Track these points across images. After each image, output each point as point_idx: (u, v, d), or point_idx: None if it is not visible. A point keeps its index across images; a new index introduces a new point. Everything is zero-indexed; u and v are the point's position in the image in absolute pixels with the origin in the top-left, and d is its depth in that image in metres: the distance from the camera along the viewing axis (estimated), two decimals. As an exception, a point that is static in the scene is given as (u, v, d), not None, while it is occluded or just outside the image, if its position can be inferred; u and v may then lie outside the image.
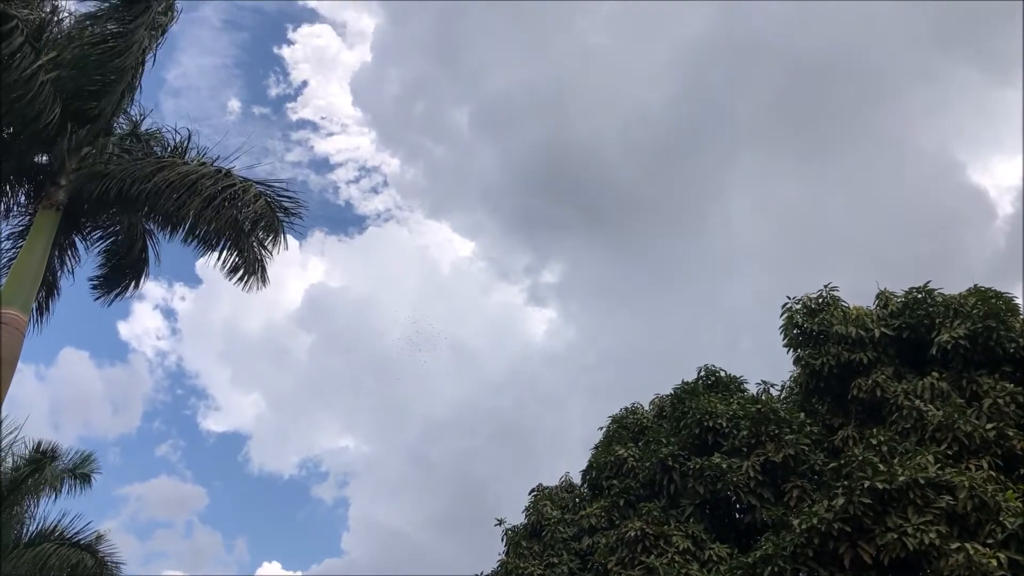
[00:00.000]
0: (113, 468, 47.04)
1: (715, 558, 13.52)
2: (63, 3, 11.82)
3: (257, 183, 12.54)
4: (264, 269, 12.78)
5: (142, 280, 14.01)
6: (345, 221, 61.77)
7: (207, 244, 12.59)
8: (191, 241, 12.52)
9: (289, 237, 12.99)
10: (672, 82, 47.81)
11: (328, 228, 56.99)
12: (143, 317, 52.03)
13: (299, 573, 49.29)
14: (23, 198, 12.69)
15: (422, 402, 49.35)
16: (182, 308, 53.03)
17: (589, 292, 53.98)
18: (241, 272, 12.77)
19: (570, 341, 51.65)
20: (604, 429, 18.34)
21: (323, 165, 60.28)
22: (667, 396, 17.84)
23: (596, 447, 18.00)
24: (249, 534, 51.21)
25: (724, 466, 14.43)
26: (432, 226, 61.94)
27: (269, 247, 12.73)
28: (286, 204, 12.72)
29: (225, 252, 12.55)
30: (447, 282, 56.48)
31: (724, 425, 15.18)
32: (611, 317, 51.45)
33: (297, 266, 52.96)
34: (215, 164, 12.51)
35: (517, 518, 17.58)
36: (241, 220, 12.20)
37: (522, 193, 54.75)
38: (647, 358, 44.11)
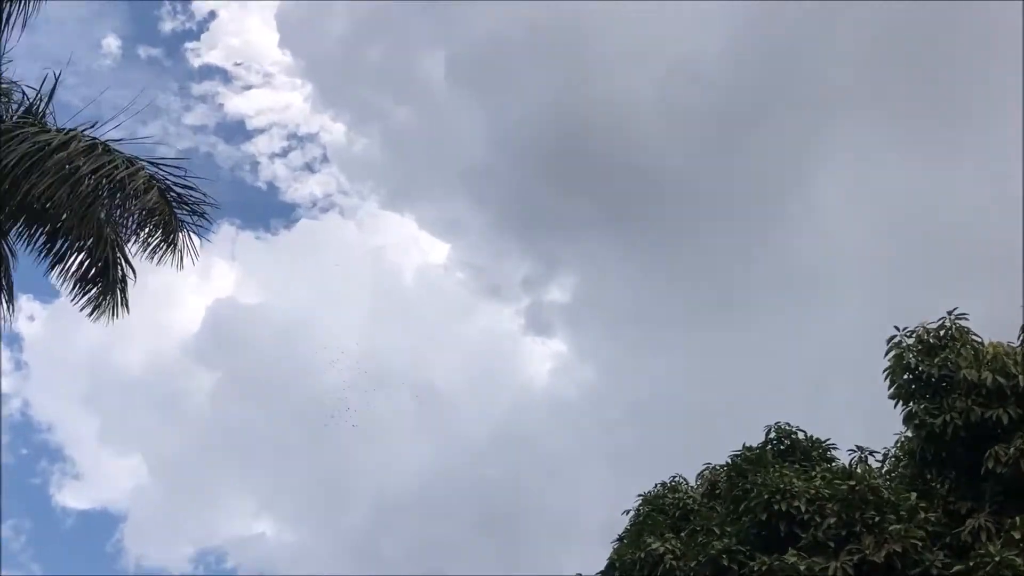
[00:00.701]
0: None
1: None
2: None
3: (146, 162, 12.62)
4: (124, 290, 12.96)
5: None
6: (267, 211, 61.91)
7: (57, 251, 12.71)
8: (39, 244, 12.64)
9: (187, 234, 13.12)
10: (732, 24, 48.38)
11: (242, 221, 57.05)
12: (-25, 345, 51.82)
13: None
14: None
15: (372, 472, 49.34)
16: (30, 332, 52.86)
17: (613, 317, 54.23)
18: (94, 292, 12.92)
19: (585, 386, 51.86)
20: (632, 513, 18.36)
21: (236, 131, 60.46)
22: (721, 467, 17.79)
23: (621, 538, 17.93)
24: (123, 659, 50.88)
25: (803, 568, 14.33)
26: (391, 220, 62.17)
27: (159, 255, 12.85)
28: (190, 196, 12.89)
29: (82, 262, 12.67)
30: (411, 300, 56.65)
31: (803, 509, 15.08)
32: (643, 353, 51.67)
33: (196, 274, 53.01)
34: (86, 132, 12.55)
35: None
36: (122, 219, 12.30)
37: (519, 176, 55.16)
38: (693, 412, 44.25)
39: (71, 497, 52.99)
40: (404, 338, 55.90)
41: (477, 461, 51.00)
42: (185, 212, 13.06)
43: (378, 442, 51.00)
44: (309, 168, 64.66)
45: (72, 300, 13.06)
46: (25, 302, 51.27)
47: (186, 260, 13.27)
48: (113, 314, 13.09)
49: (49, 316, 54.68)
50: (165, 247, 13.05)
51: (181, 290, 55.80)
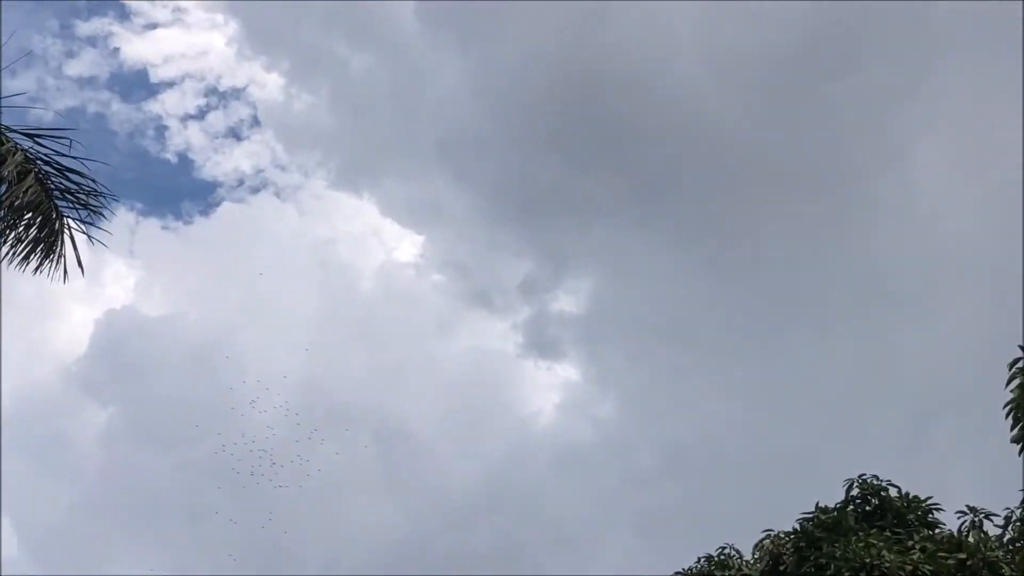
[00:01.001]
0: None
1: None
2: None
3: (19, 134, 12.58)
4: None
5: None
6: (177, 192, 62.28)
7: None
8: None
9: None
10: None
11: (144, 205, 57.41)
12: None
13: None
14: None
15: (321, 542, 49.19)
16: None
17: (640, 333, 54.27)
18: None
19: (604, 425, 51.92)
20: (668, 597, 18.29)
21: (137, 85, 60.74)
22: (787, 535, 17.68)
23: (653, 631, 17.92)
24: None
25: (897, 670, 14.35)
26: (344, 204, 62.35)
27: (36, 264, 12.84)
28: (77, 182, 12.82)
29: None
30: (371, 312, 56.63)
31: (897, 591, 15.11)
32: (680, 381, 51.64)
33: (83, 278, 52.79)
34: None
35: None
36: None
37: (515, 145, 55.22)
38: (748, 460, 44.28)
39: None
40: (361, 363, 55.84)
41: (461, 526, 50.97)
42: (70, 205, 13.11)
43: (328, 502, 50.92)
44: (234, 134, 64.71)
45: None
46: None
47: (72, 269, 13.36)
48: None
49: None
50: (43, 253, 13.06)
51: (62, 299, 55.69)
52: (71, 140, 12.97)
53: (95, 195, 13.13)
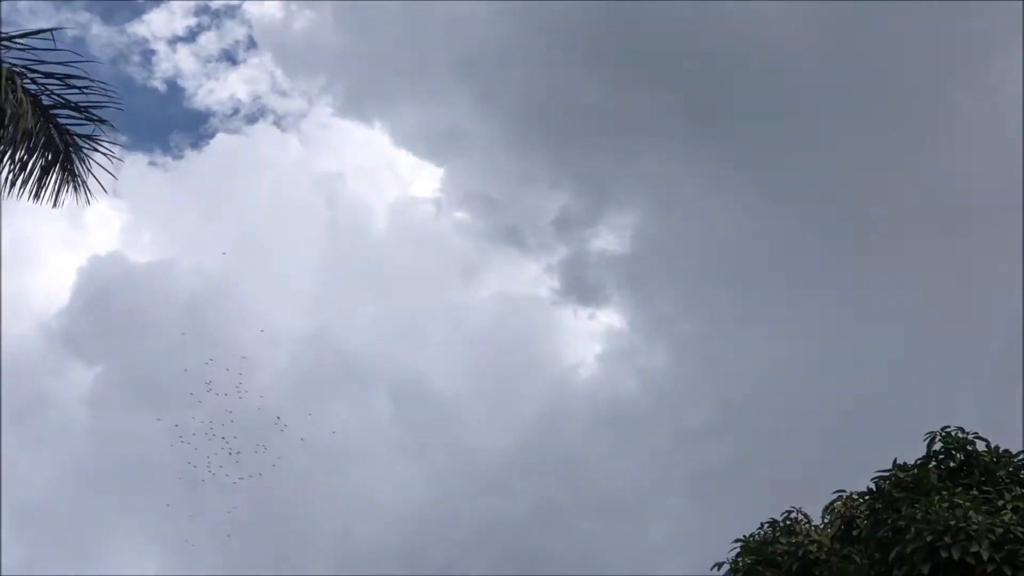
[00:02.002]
0: None
1: None
2: None
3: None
4: None
5: None
6: (166, 123, 62.30)
7: None
8: None
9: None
10: None
11: (129, 138, 57.34)
12: None
13: None
14: None
15: (335, 510, 49.66)
16: None
17: (693, 274, 54.10)
18: None
19: (653, 378, 51.91)
20: (728, 567, 18.52)
21: (120, 5, 60.45)
22: (860, 496, 17.86)
23: (711, 604, 18.05)
24: None
25: (986, 643, 14.43)
26: (352, 133, 62.28)
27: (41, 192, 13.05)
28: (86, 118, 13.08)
29: None
30: (385, 254, 56.68)
31: (985, 557, 15.07)
32: (739, 326, 51.54)
33: (62, 220, 53.15)
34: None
35: None
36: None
37: (547, 60, 54.70)
38: (815, 413, 44.25)
39: None
40: (375, 313, 55.87)
41: (494, 492, 51.18)
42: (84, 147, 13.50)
43: (341, 468, 51.33)
44: (228, 58, 64.79)
45: None
46: None
47: (68, 201, 13.70)
48: None
49: None
50: (60, 176, 13.33)
51: (39, 246, 55.93)
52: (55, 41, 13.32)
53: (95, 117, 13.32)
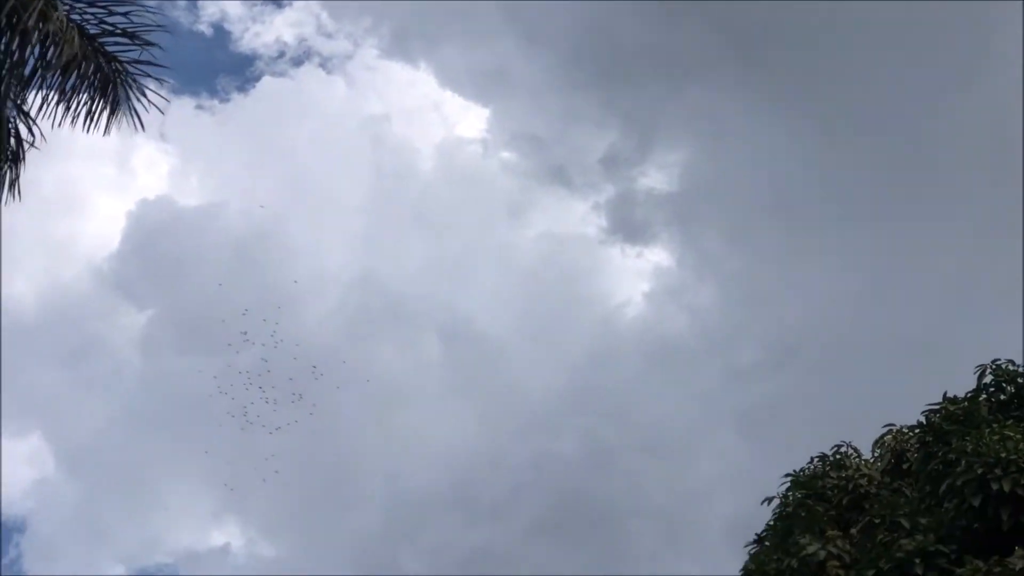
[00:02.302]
0: None
1: None
2: None
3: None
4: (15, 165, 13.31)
5: None
6: (212, 67, 62.35)
7: None
8: None
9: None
10: None
11: (176, 83, 57.37)
12: None
13: None
14: None
15: (385, 454, 50.08)
16: None
17: (743, 210, 53.78)
18: None
19: (701, 316, 51.90)
20: (778, 502, 18.54)
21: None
22: (911, 430, 17.85)
23: (761, 538, 18.16)
24: None
25: (1037, 575, 14.39)
26: (398, 74, 62.13)
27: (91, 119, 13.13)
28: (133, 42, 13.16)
29: None
30: (432, 195, 56.73)
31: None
32: (789, 262, 51.33)
33: (111, 162, 53.42)
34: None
35: None
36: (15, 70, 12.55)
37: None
38: (865, 348, 44.07)
39: (-60, 500, 54.47)
40: (422, 254, 56.01)
41: (542, 432, 51.35)
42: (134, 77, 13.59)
43: (389, 409, 51.66)
44: (274, 0, 64.70)
45: None
46: None
47: (94, 140, 13.74)
48: (13, 194, 13.59)
49: None
50: (105, 108, 13.39)
51: (89, 190, 56.27)
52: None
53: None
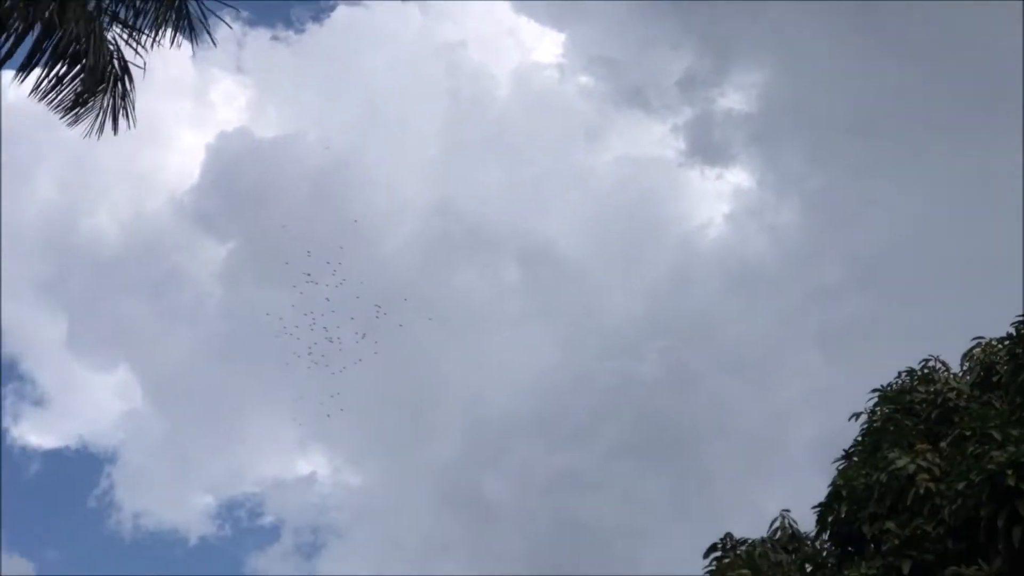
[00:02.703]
0: None
1: None
2: None
3: None
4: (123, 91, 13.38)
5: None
6: (286, -1, 62.14)
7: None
8: None
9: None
10: None
11: (254, 14, 57.66)
12: None
13: None
14: None
15: (466, 379, 50.52)
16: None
17: (824, 130, 53.20)
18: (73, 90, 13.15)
19: (783, 236, 51.57)
20: (865, 417, 18.57)
21: None
22: (999, 342, 17.78)
23: (849, 454, 18.23)
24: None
25: None
26: (473, 1, 61.57)
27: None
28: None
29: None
30: (509, 120, 56.65)
31: None
32: (872, 181, 50.69)
33: (190, 96, 53.83)
34: None
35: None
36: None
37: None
38: (952, 265, 43.58)
39: (34, 431, 55.82)
40: (500, 180, 56.09)
41: (623, 354, 51.53)
42: None
43: (469, 335, 52.05)
44: (345, -72, 64.36)
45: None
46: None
47: (169, 71, 13.92)
48: (112, 124, 13.71)
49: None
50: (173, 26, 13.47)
51: (168, 124, 56.80)
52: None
53: None
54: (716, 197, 57.84)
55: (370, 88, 56.59)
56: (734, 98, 56.31)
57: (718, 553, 18.34)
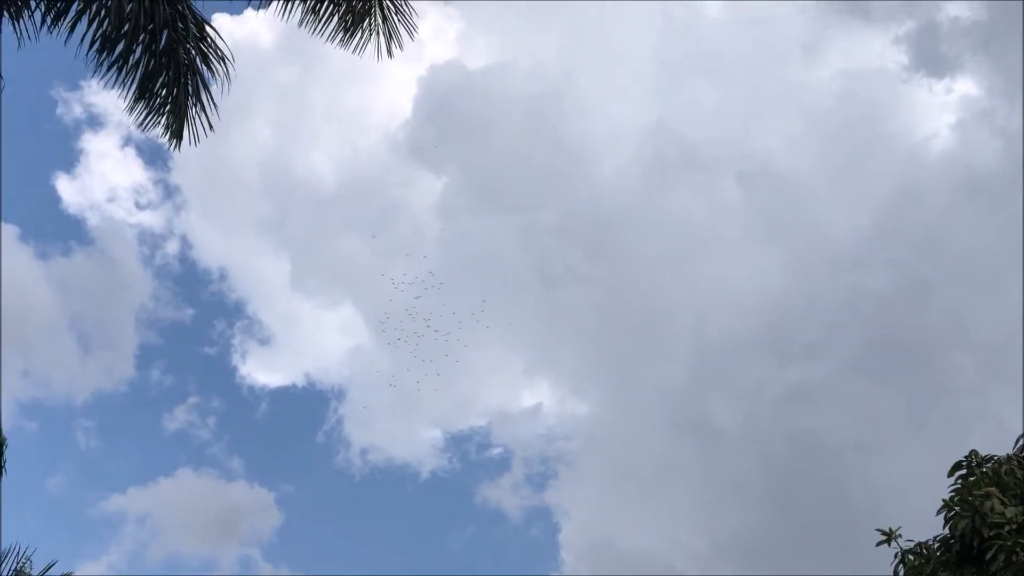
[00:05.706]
0: (89, 460, 52.22)
1: None
2: None
3: None
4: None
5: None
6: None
7: None
8: None
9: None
10: None
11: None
12: (100, 162, 55.79)
13: None
14: None
15: (690, 299, 50.42)
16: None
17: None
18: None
19: (1015, 141, 49.70)
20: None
21: None
22: None
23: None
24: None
25: None
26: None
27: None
28: None
29: None
30: (722, 35, 55.74)
31: None
32: None
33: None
34: None
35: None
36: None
37: None
38: None
39: (261, 370, 57.67)
40: (716, 98, 55.33)
41: (852, 270, 50.63)
42: None
43: (692, 258, 51.83)
44: None
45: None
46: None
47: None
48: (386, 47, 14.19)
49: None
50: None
51: (376, 59, 57.21)
52: None
53: None
54: (941, 108, 55.96)
55: (579, 12, 56.44)
56: (959, 5, 54.42)
57: (963, 471, 18.17)
